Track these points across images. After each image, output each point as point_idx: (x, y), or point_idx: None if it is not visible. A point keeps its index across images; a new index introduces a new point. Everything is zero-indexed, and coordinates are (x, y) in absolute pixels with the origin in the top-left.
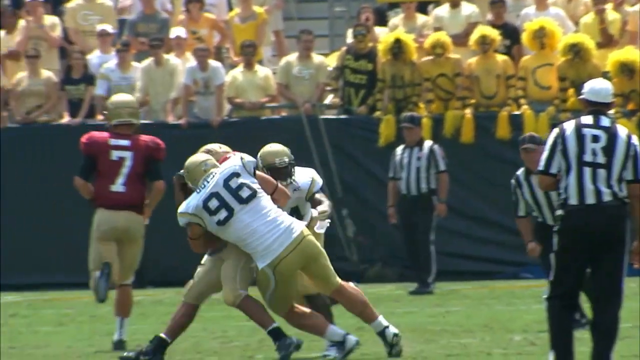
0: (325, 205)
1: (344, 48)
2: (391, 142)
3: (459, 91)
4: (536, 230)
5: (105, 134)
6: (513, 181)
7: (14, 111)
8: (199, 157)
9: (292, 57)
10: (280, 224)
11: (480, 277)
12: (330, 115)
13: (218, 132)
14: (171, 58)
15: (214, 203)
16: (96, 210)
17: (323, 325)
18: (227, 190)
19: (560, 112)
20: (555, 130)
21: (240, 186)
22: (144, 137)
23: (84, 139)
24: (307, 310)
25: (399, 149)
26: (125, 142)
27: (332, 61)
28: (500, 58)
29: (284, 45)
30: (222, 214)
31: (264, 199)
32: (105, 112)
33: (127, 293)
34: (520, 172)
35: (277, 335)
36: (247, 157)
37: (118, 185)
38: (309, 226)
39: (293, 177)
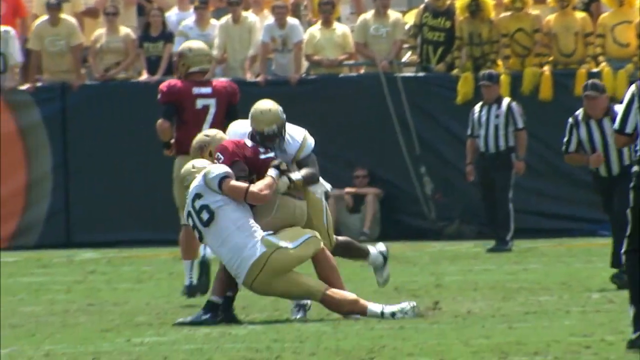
0: (305, 172)
1: (422, 6)
2: (469, 99)
3: (537, 48)
4: (593, 183)
5: (185, 83)
6: (570, 120)
7: (92, 68)
8: (185, 168)
9: (369, 14)
10: (243, 250)
11: (558, 235)
12: (408, 73)
13: (296, 89)
14: (249, 15)
15: (190, 221)
16: (177, 156)
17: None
18: (194, 211)
19: (639, 69)
20: (632, 88)
21: (201, 209)
22: (220, 82)
23: (163, 87)
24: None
25: (477, 107)
26: (207, 90)
27: (409, 19)
28: (579, 15)
29: (361, 3)
30: (196, 233)
31: (224, 218)
32: (181, 58)
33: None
34: (579, 112)
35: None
36: (212, 173)
37: None
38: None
39: (281, 141)
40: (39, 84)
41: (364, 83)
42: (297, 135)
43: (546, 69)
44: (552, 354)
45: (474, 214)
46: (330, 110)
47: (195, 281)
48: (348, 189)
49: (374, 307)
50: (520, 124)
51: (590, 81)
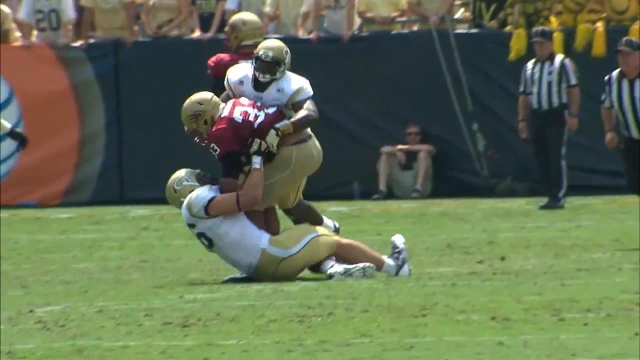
0: (296, 117)
1: None
2: (522, 56)
3: (590, 4)
4: (622, 145)
5: (232, 57)
6: (606, 78)
7: (145, 25)
8: (176, 174)
9: None
10: (242, 262)
11: (611, 192)
12: (460, 29)
13: (348, 46)
14: None
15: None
16: None
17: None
18: (195, 236)
19: None
20: None
21: (199, 236)
22: None
23: (212, 61)
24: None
25: (530, 63)
26: None
27: None
28: None
29: None
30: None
31: (224, 238)
32: (233, 31)
33: None
34: (615, 72)
35: None
36: (195, 205)
37: None
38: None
39: (277, 76)
40: (91, 41)
41: (417, 40)
42: (296, 81)
43: (599, 25)
44: (605, 311)
45: (526, 171)
46: (383, 68)
47: None
48: (400, 146)
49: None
50: (573, 81)
51: (624, 38)
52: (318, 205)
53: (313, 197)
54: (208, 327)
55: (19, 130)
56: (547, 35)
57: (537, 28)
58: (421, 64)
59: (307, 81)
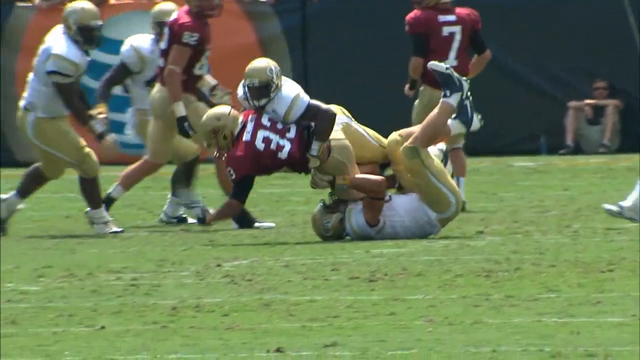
0: (320, 125)
1: None
2: None
3: None
4: None
5: (429, 12)
6: None
7: None
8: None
9: None
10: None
11: None
12: None
13: (537, 1)
14: None
15: None
16: (422, 86)
17: None
18: None
19: None
20: None
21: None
22: (464, 10)
23: (409, 18)
24: None
25: None
26: (452, 18)
27: None
28: None
29: None
30: None
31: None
32: None
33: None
34: None
35: None
36: (355, 227)
37: (451, 60)
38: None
39: (271, 96)
40: None
41: None
42: (284, 100)
43: None
44: None
45: None
46: (570, 21)
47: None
48: (588, 101)
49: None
50: None
51: None
52: (504, 161)
53: (499, 151)
54: (394, 281)
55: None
56: None
57: None
58: (609, 19)
59: (298, 90)
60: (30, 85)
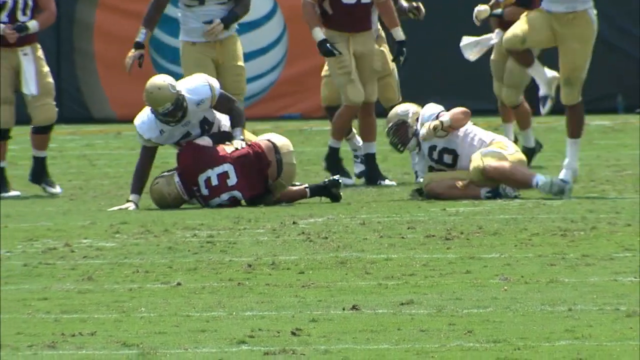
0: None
1: None
2: None
3: None
4: None
5: None
6: None
7: None
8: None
9: None
10: None
11: None
12: None
13: None
14: None
15: None
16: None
17: None
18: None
19: None
20: None
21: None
22: None
23: None
24: None
25: None
26: None
27: None
28: None
29: None
30: None
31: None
32: None
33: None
34: None
35: None
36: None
37: None
38: None
39: (184, 106)
40: None
41: None
42: (200, 89)
43: None
44: None
45: None
46: None
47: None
48: None
49: None
50: None
51: None
52: None
53: None
54: (470, 240)
55: None
56: None
57: None
58: None
59: (206, 77)
60: None
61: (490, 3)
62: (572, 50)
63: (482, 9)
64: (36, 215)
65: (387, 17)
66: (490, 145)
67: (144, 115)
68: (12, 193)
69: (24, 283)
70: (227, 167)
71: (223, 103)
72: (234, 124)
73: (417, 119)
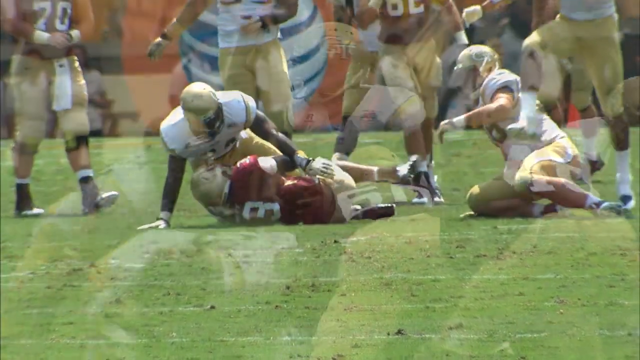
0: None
1: None
2: None
3: None
4: None
5: None
6: None
7: None
8: None
9: None
10: None
11: None
12: None
13: None
14: None
15: None
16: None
17: None
18: None
19: None
20: None
21: None
22: None
23: None
24: None
25: None
26: None
27: None
28: None
29: None
30: None
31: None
32: None
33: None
34: None
35: None
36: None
37: None
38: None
39: (221, 120)
40: None
41: None
42: (235, 110)
43: None
44: None
45: None
46: None
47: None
48: None
49: None
50: None
51: None
52: None
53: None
54: (523, 259)
55: None
56: None
57: None
58: None
59: (240, 93)
60: None
61: (484, 4)
62: (609, 57)
63: (470, 11)
64: (61, 234)
65: (451, 20)
66: (547, 146)
67: (174, 119)
68: (35, 211)
69: (47, 307)
70: (276, 206)
71: (259, 125)
72: (287, 152)
73: (490, 69)
